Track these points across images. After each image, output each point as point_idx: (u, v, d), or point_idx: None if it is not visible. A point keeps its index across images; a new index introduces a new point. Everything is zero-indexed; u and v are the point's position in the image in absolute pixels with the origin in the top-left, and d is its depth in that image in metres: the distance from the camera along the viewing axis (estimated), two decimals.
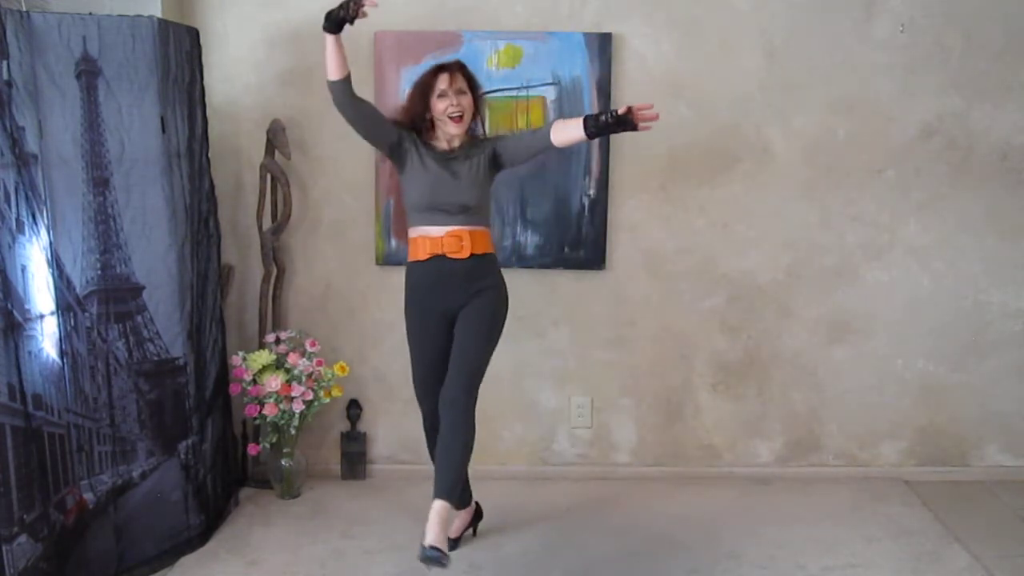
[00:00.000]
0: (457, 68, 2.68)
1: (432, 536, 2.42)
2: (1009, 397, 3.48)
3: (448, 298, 2.68)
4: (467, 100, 2.66)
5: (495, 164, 2.70)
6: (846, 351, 3.46)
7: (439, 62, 2.71)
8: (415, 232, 2.70)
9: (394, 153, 2.69)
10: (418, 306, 2.73)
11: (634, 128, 2.54)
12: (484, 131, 2.86)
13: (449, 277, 2.66)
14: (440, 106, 2.64)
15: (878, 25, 3.25)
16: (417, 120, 2.70)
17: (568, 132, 2.60)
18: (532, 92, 3.25)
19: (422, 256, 2.67)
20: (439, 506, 2.48)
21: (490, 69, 3.20)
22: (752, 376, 3.48)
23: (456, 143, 2.70)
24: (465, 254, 2.65)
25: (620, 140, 3.28)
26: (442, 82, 2.64)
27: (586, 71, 3.23)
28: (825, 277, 3.42)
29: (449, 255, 2.65)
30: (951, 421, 3.51)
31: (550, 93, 3.25)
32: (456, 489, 2.59)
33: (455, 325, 2.69)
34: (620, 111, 2.52)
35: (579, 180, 3.30)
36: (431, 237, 2.66)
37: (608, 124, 2.55)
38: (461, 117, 2.64)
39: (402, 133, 2.69)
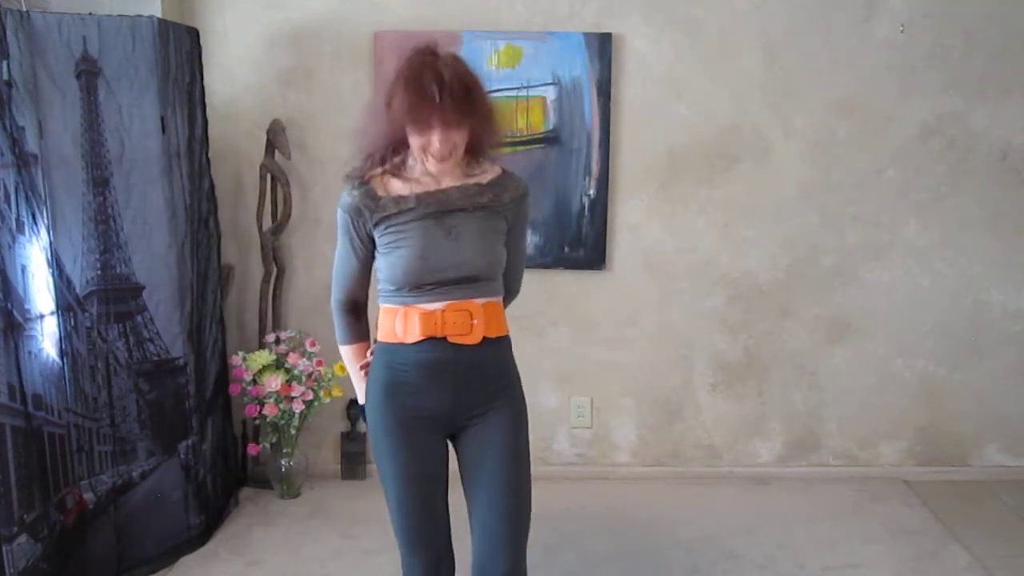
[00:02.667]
0: (446, 86, 1.70)
1: None
2: (1009, 397, 3.48)
3: (449, 402, 1.87)
4: (459, 135, 1.77)
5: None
6: (846, 351, 3.46)
7: (418, 52, 1.78)
8: (394, 303, 1.87)
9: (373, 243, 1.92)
10: (400, 411, 1.88)
11: None
12: (512, 174, 1.96)
13: (452, 373, 1.85)
14: (415, 142, 1.78)
15: (878, 25, 3.25)
16: (389, 147, 1.86)
17: None
18: (532, 92, 3.25)
19: (410, 338, 1.83)
20: None
21: (490, 69, 3.20)
22: (752, 376, 3.48)
23: (446, 176, 1.85)
24: (476, 338, 1.83)
25: (620, 140, 3.29)
26: (422, 109, 1.72)
27: (586, 71, 3.23)
28: (825, 277, 3.41)
29: (452, 339, 1.83)
30: (951, 421, 3.50)
31: (550, 93, 3.25)
32: None
33: (463, 449, 1.93)
34: None
35: (579, 180, 3.30)
36: (425, 311, 1.83)
37: None
38: (450, 154, 1.79)
39: (358, 216, 1.88)
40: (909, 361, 3.47)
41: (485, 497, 1.89)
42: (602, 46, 3.22)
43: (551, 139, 3.27)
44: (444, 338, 1.83)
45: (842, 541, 2.99)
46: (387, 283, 1.89)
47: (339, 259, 1.97)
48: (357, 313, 1.99)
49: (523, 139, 3.25)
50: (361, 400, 1.99)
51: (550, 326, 3.43)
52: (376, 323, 1.96)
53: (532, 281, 3.30)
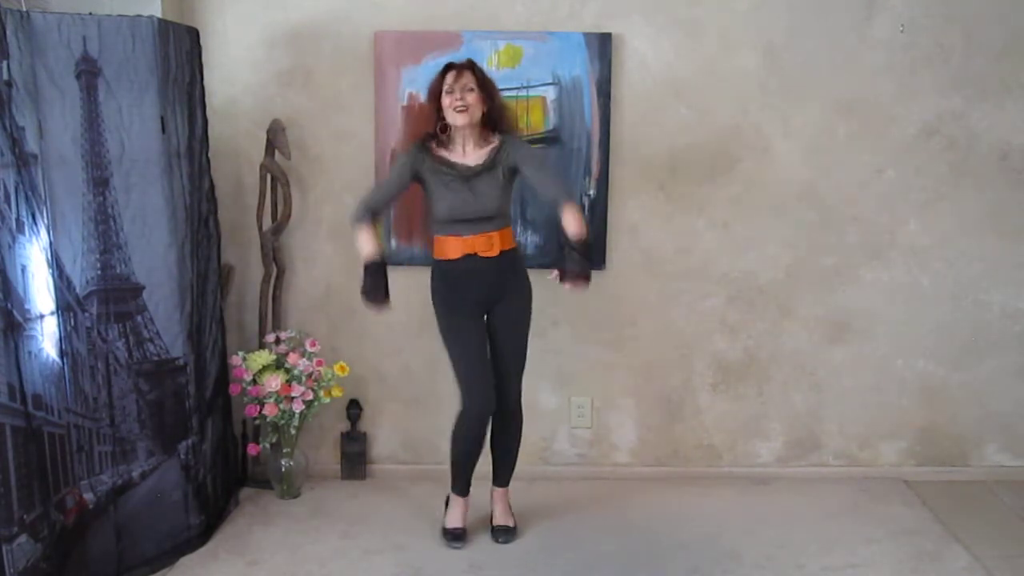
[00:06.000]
0: (466, 66, 2.74)
1: (502, 518, 3.01)
2: (1009, 397, 3.48)
3: (483, 291, 2.82)
4: (473, 96, 2.70)
5: (515, 174, 2.79)
6: (846, 351, 3.46)
7: (449, 60, 2.78)
8: (443, 234, 2.80)
9: (418, 182, 2.80)
10: (454, 301, 2.83)
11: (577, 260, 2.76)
12: (506, 134, 2.83)
13: (482, 273, 2.79)
14: (445, 101, 2.71)
15: (878, 25, 3.25)
16: (432, 125, 2.77)
17: (564, 223, 2.75)
18: (532, 92, 3.25)
19: (454, 255, 2.78)
20: (503, 492, 3.03)
21: (490, 69, 3.19)
22: (752, 376, 3.48)
23: (472, 156, 2.75)
24: (495, 252, 2.78)
25: (620, 140, 3.29)
26: (449, 79, 2.71)
27: (586, 71, 3.23)
28: (825, 277, 3.42)
29: (481, 254, 2.77)
30: (951, 421, 3.51)
31: (550, 93, 3.25)
32: (511, 476, 3.04)
33: (491, 320, 2.87)
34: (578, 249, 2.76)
35: (579, 180, 3.30)
36: (462, 238, 2.76)
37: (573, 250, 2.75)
38: (465, 110, 2.68)
39: (416, 160, 2.76)
40: (909, 361, 3.47)
41: (504, 352, 2.88)
42: (602, 46, 3.22)
43: (551, 139, 3.27)
44: (476, 254, 2.77)
45: (842, 541, 2.99)
46: (436, 220, 2.81)
47: (384, 182, 2.90)
48: (371, 212, 2.79)
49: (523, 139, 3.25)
50: (366, 253, 2.78)
51: (550, 326, 3.43)
52: (432, 247, 2.88)
53: (532, 281, 3.32)
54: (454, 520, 2.98)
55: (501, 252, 2.79)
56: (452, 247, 2.78)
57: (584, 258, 2.75)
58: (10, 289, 2.41)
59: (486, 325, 2.88)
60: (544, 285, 3.38)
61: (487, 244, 2.77)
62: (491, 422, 2.90)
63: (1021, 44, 3.26)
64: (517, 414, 2.95)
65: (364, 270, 2.76)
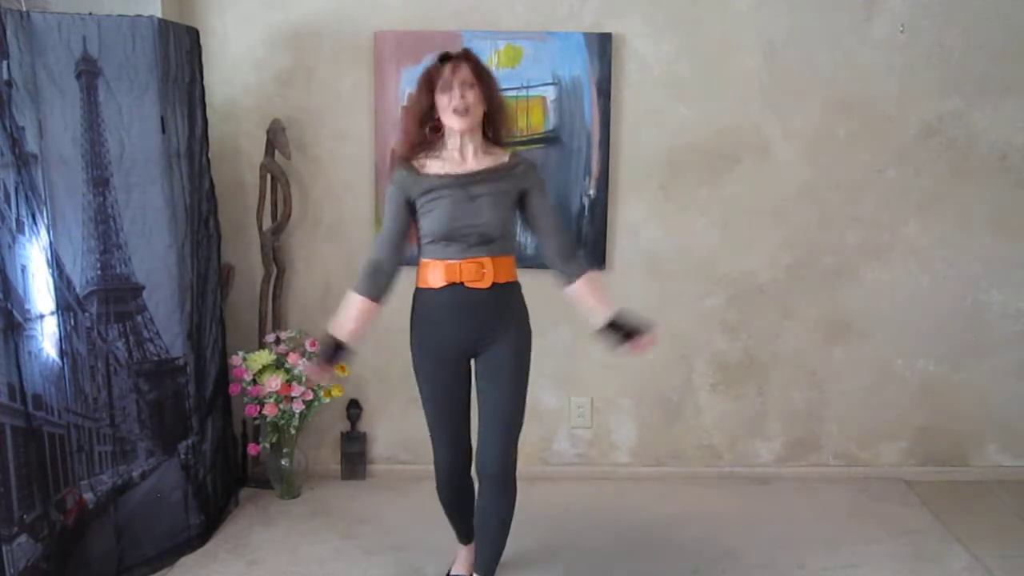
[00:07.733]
0: (463, 58, 2.32)
1: None
2: (1009, 397, 3.48)
3: (467, 333, 2.37)
4: (474, 94, 2.29)
5: (520, 204, 2.42)
6: (846, 351, 3.46)
7: (443, 52, 2.37)
8: (429, 257, 2.37)
9: (413, 212, 2.39)
10: (431, 341, 2.40)
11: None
12: (519, 153, 2.47)
13: (468, 308, 2.35)
14: (443, 100, 2.29)
15: (878, 25, 3.25)
16: (424, 127, 2.35)
17: (583, 303, 2.48)
18: (532, 92, 3.25)
19: (436, 284, 2.34)
20: None
21: (490, 69, 3.20)
22: (752, 376, 3.48)
23: (471, 156, 2.35)
24: (486, 283, 2.34)
25: (620, 140, 3.29)
26: (445, 72, 2.29)
27: (586, 71, 3.23)
28: (825, 277, 3.42)
29: (468, 284, 2.33)
30: (951, 421, 3.51)
31: (550, 93, 3.25)
32: (495, 563, 2.51)
33: (477, 367, 2.43)
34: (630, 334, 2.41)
35: (579, 180, 3.30)
36: (448, 263, 2.33)
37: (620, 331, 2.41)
38: (467, 112, 2.28)
39: (405, 186, 2.35)
40: (909, 361, 3.47)
41: (489, 405, 2.39)
42: (602, 46, 3.22)
43: (551, 139, 3.27)
44: (462, 283, 2.33)
45: (842, 541, 2.99)
46: (425, 237, 2.36)
47: (383, 224, 2.44)
48: (376, 273, 2.38)
49: (523, 139, 3.25)
50: (336, 332, 2.37)
51: (550, 326, 3.43)
52: (416, 275, 2.45)
53: (532, 281, 3.32)
54: (458, 567, 2.72)
55: (494, 285, 2.34)
56: (435, 274, 2.33)
57: (632, 324, 2.41)
58: (10, 289, 2.41)
59: (472, 371, 2.45)
60: (543, 286, 3.39)
61: (477, 273, 2.32)
62: (476, 488, 2.52)
63: (1021, 44, 3.26)
64: (504, 482, 2.42)
65: (323, 343, 2.38)
